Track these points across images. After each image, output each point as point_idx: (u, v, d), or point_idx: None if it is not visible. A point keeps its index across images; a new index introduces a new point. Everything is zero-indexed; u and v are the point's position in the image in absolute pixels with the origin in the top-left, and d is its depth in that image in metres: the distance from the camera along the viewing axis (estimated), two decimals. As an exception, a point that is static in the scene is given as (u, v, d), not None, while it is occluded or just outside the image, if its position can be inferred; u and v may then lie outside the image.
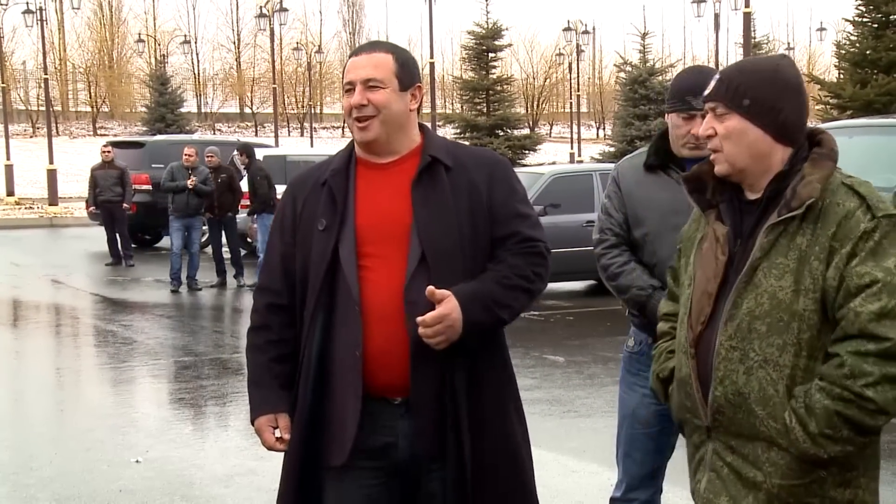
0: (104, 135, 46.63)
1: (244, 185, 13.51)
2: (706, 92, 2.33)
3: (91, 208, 16.66)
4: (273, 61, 41.58)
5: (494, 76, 27.95)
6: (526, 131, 31.00)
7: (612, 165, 7.29)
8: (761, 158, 2.27)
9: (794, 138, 2.28)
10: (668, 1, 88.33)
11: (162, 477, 5.37)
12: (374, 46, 2.70)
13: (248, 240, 14.47)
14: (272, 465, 3.66)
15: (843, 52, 18.71)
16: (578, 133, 45.77)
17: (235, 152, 14.78)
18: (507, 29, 28.11)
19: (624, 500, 3.50)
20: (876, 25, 18.07)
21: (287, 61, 58.23)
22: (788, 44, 56.30)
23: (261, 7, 40.10)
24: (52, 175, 28.33)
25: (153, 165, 17.64)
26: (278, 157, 17.60)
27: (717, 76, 2.33)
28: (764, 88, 2.25)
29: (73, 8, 42.58)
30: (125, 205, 15.59)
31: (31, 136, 48.33)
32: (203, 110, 59.89)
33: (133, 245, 16.61)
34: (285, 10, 38.30)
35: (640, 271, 3.32)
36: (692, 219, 2.52)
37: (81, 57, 59.02)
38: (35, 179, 33.28)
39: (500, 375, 2.69)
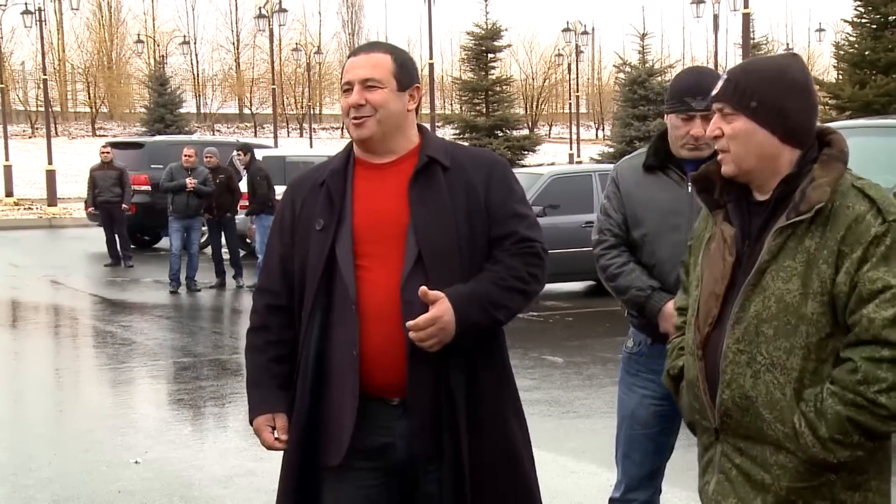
0: (103, 135, 46.60)
1: (243, 186, 13.52)
2: (714, 92, 2.31)
3: (90, 209, 16.67)
4: (272, 62, 41.63)
5: (493, 77, 27.96)
6: (525, 132, 30.99)
7: (611, 166, 7.30)
8: (769, 160, 2.25)
9: (803, 140, 2.26)
10: (668, 2, 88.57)
11: (161, 478, 5.37)
12: (372, 47, 2.70)
13: (247, 240, 14.47)
14: (271, 465, 3.66)
15: (842, 52, 18.74)
16: (577, 134, 45.77)
17: (235, 152, 14.78)
18: (506, 29, 28.13)
19: (623, 500, 3.50)
20: (875, 26, 18.08)
21: (286, 62, 58.26)
22: (787, 45, 56.32)
23: (260, 8, 40.06)
24: (50, 176, 28.28)
25: (152, 166, 17.62)
26: (277, 157, 17.57)
27: (724, 76, 2.31)
28: (772, 90, 2.23)
29: (72, 8, 42.47)
30: (124, 205, 15.55)
31: (29, 137, 48.30)
32: (202, 111, 59.89)
33: (132, 246, 16.61)
34: (284, 10, 38.30)
35: (640, 272, 3.32)
36: (701, 217, 2.50)
37: (80, 57, 59.09)
38: (34, 180, 33.24)
39: (499, 376, 2.68)
